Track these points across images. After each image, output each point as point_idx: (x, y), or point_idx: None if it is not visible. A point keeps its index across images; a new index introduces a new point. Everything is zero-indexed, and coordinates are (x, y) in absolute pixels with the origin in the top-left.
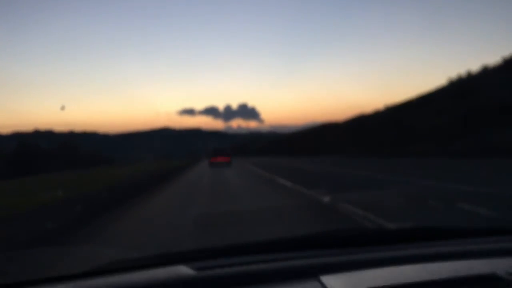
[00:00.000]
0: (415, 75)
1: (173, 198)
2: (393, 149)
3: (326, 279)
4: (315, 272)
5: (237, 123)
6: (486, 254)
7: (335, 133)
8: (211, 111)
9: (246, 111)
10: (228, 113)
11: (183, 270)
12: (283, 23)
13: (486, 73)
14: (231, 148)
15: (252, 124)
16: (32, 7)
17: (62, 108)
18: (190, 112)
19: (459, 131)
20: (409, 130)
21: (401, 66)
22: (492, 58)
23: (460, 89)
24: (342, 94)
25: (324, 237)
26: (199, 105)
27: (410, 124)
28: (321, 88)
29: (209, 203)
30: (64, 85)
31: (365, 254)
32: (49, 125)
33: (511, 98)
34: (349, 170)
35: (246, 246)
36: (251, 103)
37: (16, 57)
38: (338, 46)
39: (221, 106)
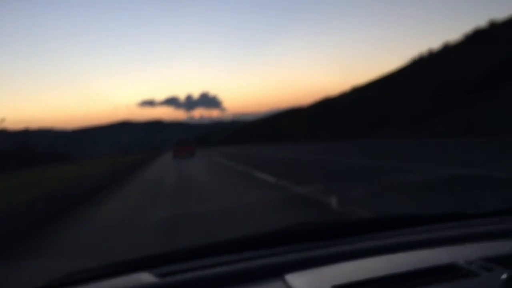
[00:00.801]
0: (378, 55)
1: (132, 199)
2: (364, 132)
3: (291, 277)
4: (279, 271)
5: (199, 113)
6: (446, 242)
7: (300, 118)
8: (172, 102)
9: (208, 100)
10: (190, 103)
11: (145, 277)
12: (242, 9)
13: (448, 50)
14: (195, 139)
15: (214, 113)
16: None
17: (2, 120)
18: (150, 103)
19: (431, 110)
20: (379, 111)
21: (363, 47)
22: (453, 35)
23: (425, 67)
24: (305, 78)
25: (289, 233)
26: (160, 96)
27: (379, 104)
28: (283, 74)
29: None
30: (16, 80)
31: (330, 248)
32: (1, 124)
33: (477, 74)
34: (330, 157)
35: (208, 248)
36: (212, 91)
37: None
38: (299, 30)
39: (182, 95)
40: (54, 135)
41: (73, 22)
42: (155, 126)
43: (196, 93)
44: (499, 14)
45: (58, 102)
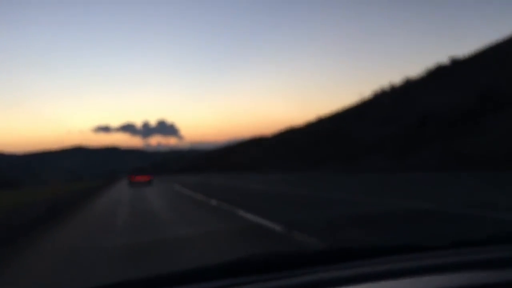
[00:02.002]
0: (339, 87)
1: (80, 235)
2: (340, 163)
3: None
4: None
5: (156, 140)
6: (402, 273)
7: (263, 148)
8: (128, 128)
9: (165, 128)
10: (147, 130)
11: None
12: (199, 37)
13: (410, 84)
14: (152, 166)
15: (172, 141)
16: None
17: None
18: (105, 129)
19: (410, 142)
20: (351, 142)
21: (325, 78)
22: (411, 70)
23: (396, 99)
24: (265, 109)
25: (251, 262)
26: (115, 122)
27: (350, 135)
28: (242, 103)
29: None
30: None
31: (291, 279)
32: None
33: (449, 106)
34: (312, 191)
35: (165, 278)
36: (170, 119)
37: None
38: (259, 59)
39: (138, 122)
40: (2, 158)
41: (27, 42)
42: (111, 153)
43: (153, 121)
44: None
45: (7, 125)
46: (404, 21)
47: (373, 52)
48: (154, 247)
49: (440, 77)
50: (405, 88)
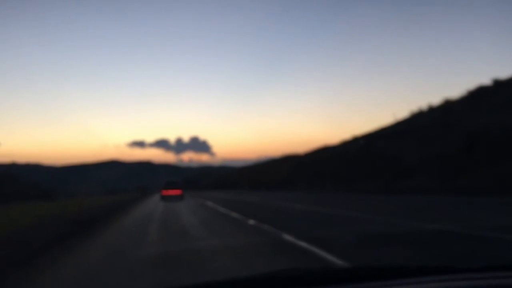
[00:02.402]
0: (370, 109)
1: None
2: (376, 183)
3: None
4: None
5: (188, 156)
6: None
7: (295, 166)
8: (162, 144)
9: (198, 144)
10: (180, 146)
11: None
12: (236, 54)
13: (451, 105)
14: (184, 181)
15: (204, 158)
16: None
17: None
18: (140, 144)
19: (453, 163)
20: (389, 162)
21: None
22: (446, 92)
23: (431, 120)
24: (297, 128)
25: (277, 278)
26: (150, 138)
27: (388, 155)
28: (275, 122)
29: None
30: (7, 114)
31: None
32: None
33: (493, 128)
34: (360, 213)
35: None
36: (202, 136)
37: None
38: (289, 79)
39: (172, 138)
40: (41, 170)
41: (67, 60)
42: (145, 167)
43: (186, 137)
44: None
45: (47, 138)
46: (438, 43)
47: (408, 73)
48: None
49: (482, 97)
50: (445, 108)
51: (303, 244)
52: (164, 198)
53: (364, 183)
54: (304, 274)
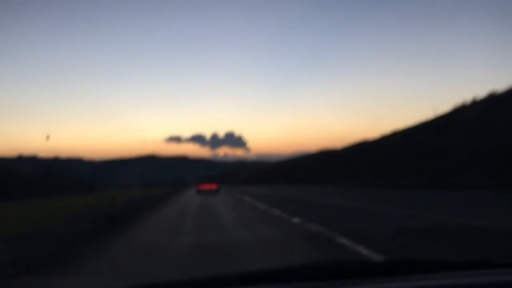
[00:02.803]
0: (408, 103)
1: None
2: (426, 180)
3: None
4: None
5: (224, 151)
6: (474, 287)
7: (333, 161)
8: (198, 139)
9: (233, 139)
10: (215, 141)
11: None
12: (270, 50)
13: (496, 99)
14: (219, 176)
15: (239, 152)
16: (14, 31)
17: (47, 137)
18: (177, 139)
19: (504, 159)
20: (438, 156)
21: (391, 95)
22: (488, 86)
23: (476, 115)
24: (329, 123)
25: (312, 269)
26: (186, 133)
27: (435, 149)
28: (310, 116)
29: None
30: (49, 110)
31: (354, 287)
32: (33, 151)
33: None
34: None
35: (232, 278)
36: (238, 131)
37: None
38: (328, 75)
39: (208, 134)
40: (83, 164)
41: (105, 55)
42: (181, 162)
43: (221, 132)
44: None
45: (88, 133)
46: (476, 38)
47: (447, 67)
48: None
49: None
50: (491, 101)
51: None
52: (200, 192)
53: (407, 179)
54: (339, 266)
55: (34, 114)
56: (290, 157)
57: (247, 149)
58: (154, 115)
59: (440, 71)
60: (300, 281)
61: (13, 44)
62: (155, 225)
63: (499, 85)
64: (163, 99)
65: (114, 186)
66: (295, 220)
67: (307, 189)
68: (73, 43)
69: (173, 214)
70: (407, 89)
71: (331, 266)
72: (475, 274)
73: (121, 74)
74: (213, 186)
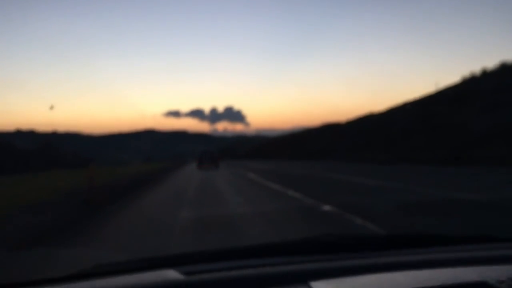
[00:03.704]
0: (404, 80)
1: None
2: (444, 155)
3: (316, 285)
4: (304, 278)
5: (223, 126)
6: (475, 261)
7: (337, 135)
8: (197, 114)
9: (232, 114)
10: (214, 116)
11: (171, 274)
12: (270, 25)
13: (508, 69)
14: (218, 151)
15: (238, 127)
16: (15, 5)
17: (51, 107)
18: (175, 114)
19: None
20: (454, 130)
21: (391, 70)
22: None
23: (490, 85)
24: (329, 97)
25: (315, 242)
26: (185, 107)
27: (450, 122)
28: (310, 91)
29: None
30: (47, 84)
31: (356, 260)
32: (31, 125)
33: None
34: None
35: (235, 251)
36: (237, 105)
37: None
38: (327, 49)
39: (207, 108)
40: (81, 139)
41: (103, 30)
42: (180, 136)
43: (220, 107)
44: None
45: (87, 108)
46: (475, 13)
47: (448, 40)
48: None
49: None
50: (502, 73)
51: None
52: (200, 166)
53: (421, 153)
54: (347, 239)
55: (33, 88)
56: (291, 132)
57: (247, 124)
58: (153, 90)
59: (444, 43)
60: (300, 255)
61: (12, 19)
62: (145, 216)
63: (507, 56)
64: (162, 74)
65: (112, 161)
66: (326, 207)
67: (315, 165)
68: (73, 17)
69: (170, 199)
70: (410, 62)
71: (331, 240)
72: (476, 248)
73: (121, 49)
74: (213, 161)
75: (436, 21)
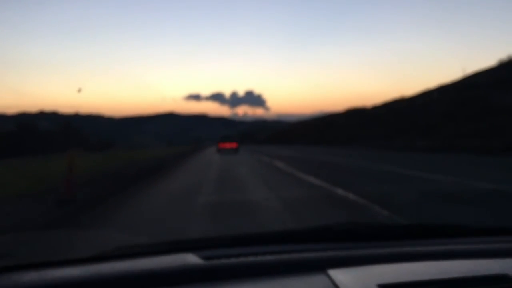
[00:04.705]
0: (429, 66)
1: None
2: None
3: (334, 273)
4: (323, 266)
5: (243, 110)
6: (496, 254)
7: (364, 120)
8: (217, 97)
9: (253, 98)
10: (235, 100)
11: (191, 258)
12: (292, 8)
13: None
14: (238, 135)
15: (258, 112)
16: None
17: (79, 90)
18: (196, 97)
19: None
20: (503, 113)
21: (413, 57)
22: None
23: None
24: (352, 84)
25: (333, 230)
26: (206, 91)
27: (494, 106)
28: (329, 77)
29: None
30: (71, 67)
31: (375, 249)
32: (54, 107)
33: None
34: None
35: (254, 237)
36: (257, 90)
37: (23, 38)
38: (349, 34)
39: (227, 92)
40: (102, 121)
41: (126, 13)
42: (200, 120)
43: (241, 91)
44: None
45: (108, 90)
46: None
47: (475, 28)
48: None
49: None
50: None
51: None
52: (220, 150)
53: (467, 140)
54: (367, 228)
55: (56, 70)
56: (311, 117)
57: (267, 108)
58: (174, 73)
59: (470, 29)
60: (319, 242)
61: (36, 2)
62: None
63: None
64: (183, 57)
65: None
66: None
67: (343, 152)
68: (95, 1)
69: (178, 203)
70: (436, 48)
71: (350, 228)
72: (496, 240)
73: (143, 32)
74: (233, 145)
75: (462, 6)
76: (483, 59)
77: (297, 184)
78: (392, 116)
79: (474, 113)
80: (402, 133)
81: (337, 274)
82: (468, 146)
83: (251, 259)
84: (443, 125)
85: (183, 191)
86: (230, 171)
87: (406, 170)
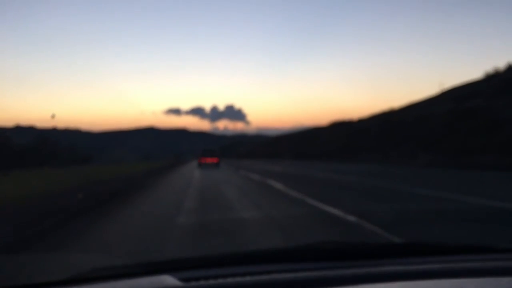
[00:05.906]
0: (409, 80)
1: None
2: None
3: None
4: (304, 286)
5: (223, 124)
6: (474, 273)
7: (347, 134)
8: (197, 111)
9: (233, 112)
10: (215, 114)
11: (168, 280)
12: (272, 24)
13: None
14: (219, 149)
15: (239, 126)
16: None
17: (53, 116)
18: (176, 111)
19: None
20: (496, 126)
21: (393, 72)
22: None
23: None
24: (329, 98)
25: (315, 250)
26: (186, 105)
27: (493, 117)
28: (309, 91)
29: None
30: (48, 80)
31: (355, 269)
32: (31, 121)
33: None
34: None
35: (233, 257)
36: (238, 104)
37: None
38: (328, 49)
39: (207, 106)
40: (81, 135)
41: (104, 26)
42: (180, 134)
43: (221, 105)
44: None
45: (86, 104)
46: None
47: (452, 42)
48: None
49: None
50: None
51: None
52: (201, 165)
53: (476, 157)
54: (348, 247)
55: (33, 84)
56: (291, 131)
57: (247, 122)
58: (154, 87)
59: (449, 43)
60: (302, 262)
61: (12, 14)
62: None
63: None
64: (163, 71)
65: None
66: None
67: (329, 166)
68: (73, 13)
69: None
70: (414, 63)
71: (333, 247)
72: (474, 259)
73: (122, 45)
74: (214, 160)
75: (441, 20)
76: (460, 74)
77: (323, 224)
78: (383, 128)
79: (476, 126)
80: (397, 146)
81: None
82: (468, 161)
83: (229, 280)
84: (444, 138)
85: (136, 246)
86: (215, 199)
87: (454, 194)
